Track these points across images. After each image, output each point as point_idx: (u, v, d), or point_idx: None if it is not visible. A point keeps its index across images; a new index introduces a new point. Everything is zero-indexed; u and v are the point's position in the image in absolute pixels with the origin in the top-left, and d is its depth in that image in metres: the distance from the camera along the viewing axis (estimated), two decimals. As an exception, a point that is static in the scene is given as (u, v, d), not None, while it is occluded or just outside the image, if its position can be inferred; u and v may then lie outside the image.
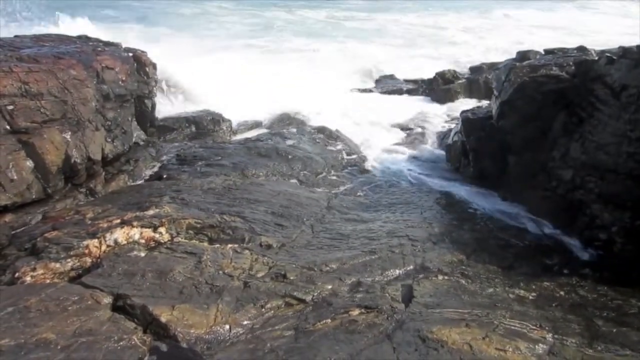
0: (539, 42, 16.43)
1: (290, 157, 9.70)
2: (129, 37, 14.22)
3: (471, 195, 8.39)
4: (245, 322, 4.80)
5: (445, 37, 26.74)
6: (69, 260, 5.57)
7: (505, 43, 23.74)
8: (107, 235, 5.96)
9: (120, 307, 4.81)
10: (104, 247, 5.83)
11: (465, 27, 30.16)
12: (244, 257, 5.84)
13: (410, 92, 15.88)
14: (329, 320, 4.81)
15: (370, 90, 16.38)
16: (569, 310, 5.24)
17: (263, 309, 4.98)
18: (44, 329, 4.31)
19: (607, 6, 40.13)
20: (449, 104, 14.15)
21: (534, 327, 4.79)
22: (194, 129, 11.29)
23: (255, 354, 4.38)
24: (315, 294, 5.27)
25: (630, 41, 7.34)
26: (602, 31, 26.75)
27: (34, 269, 5.36)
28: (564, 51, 8.99)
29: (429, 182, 9.09)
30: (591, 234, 6.75)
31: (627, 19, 31.25)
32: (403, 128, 12.33)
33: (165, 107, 11.81)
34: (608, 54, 7.25)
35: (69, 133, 7.21)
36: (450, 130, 10.76)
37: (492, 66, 14.61)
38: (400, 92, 15.95)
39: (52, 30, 13.58)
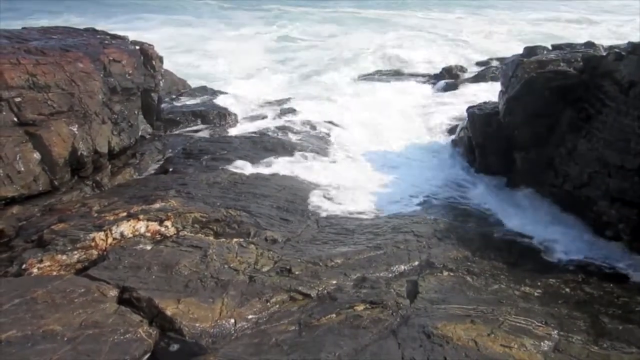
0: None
1: (296, 151, 9.67)
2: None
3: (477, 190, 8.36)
4: (250, 316, 4.82)
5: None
6: (75, 252, 5.60)
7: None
8: (114, 228, 5.98)
9: (126, 300, 4.84)
10: (110, 240, 5.86)
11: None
12: (249, 252, 5.85)
13: (417, 85, 15.82)
14: (334, 315, 4.81)
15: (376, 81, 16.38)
16: (575, 307, 5.22)
17: (268, 304, 5.00)
18: (51, 320, 4.34)
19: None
20: (458, 97, 14.05)
21: (540, 324, 4.78)
22: (200, 122, 11.30)
23: (260, 348, 4.40)
24: (320, 288, 5.27)
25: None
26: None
27: (40, 261, 5.39)
28: (571, 46, 8.93)
29: (435, 177, 9.04)
30: (598, 230, 6.71)
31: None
32: (410, 121, 12.28)
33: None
34: (617, 50, 7.18)
35: (76, 126, 7.24)
36: (457, 125, 10.71)
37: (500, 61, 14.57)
38: (407, 85, 15.88)
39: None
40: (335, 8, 35.06)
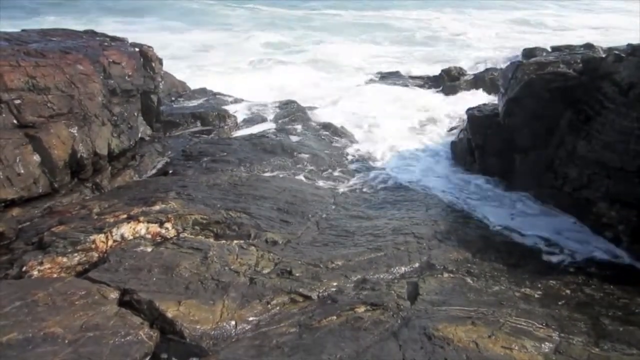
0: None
1: (295, 153, 9.69)
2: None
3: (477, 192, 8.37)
4: (251, 318, 4.82)
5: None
6: (75, 254, 5.59)
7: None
8: (114, 230, 5.97)
9: (127, 302, 4.83)
10: (110, 242, 5.85)
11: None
12: (249, 253, 5.85)
13: (416, 88, 15.85)
14: (335, 317, 4.81)
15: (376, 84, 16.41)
16: (575, 308, 5.23)
17: (269, 305, 5.00)
18: (52, 323, 4.33)
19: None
20: (458, 100, 14.08)
21: (540, 326, 4.79)
22: (199, 124, 11.29)
23: (261, 350, 4.40)
24: (321, 290, 5.28)
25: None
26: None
27: (41, 263, 5.38)
28: (570, 48, 8.97)
29: (435, 179, 9.06)
30: (597, 232, 6.73)
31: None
32: (409, 124, 12.29)
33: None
34: (616, 52, 7.21)
35: (76, 128, 7.23)
36: (456, 127, 10.73)
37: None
38: (406, 87, 15.91)
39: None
40: (329, 10, 35.09)
